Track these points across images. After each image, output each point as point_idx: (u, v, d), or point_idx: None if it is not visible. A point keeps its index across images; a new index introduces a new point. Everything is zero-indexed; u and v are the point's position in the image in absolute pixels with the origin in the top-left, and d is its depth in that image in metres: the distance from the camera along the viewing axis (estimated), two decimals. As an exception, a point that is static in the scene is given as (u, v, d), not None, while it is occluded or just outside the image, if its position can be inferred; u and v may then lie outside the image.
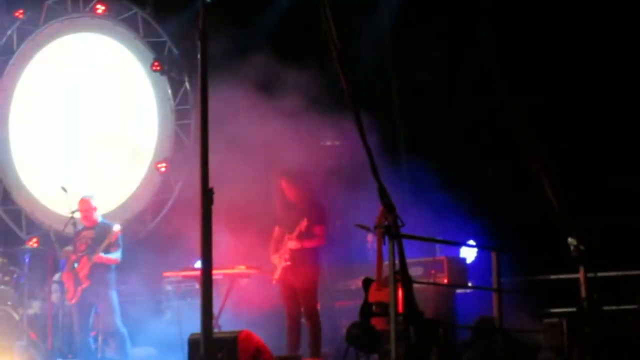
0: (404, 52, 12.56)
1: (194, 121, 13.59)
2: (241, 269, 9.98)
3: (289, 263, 9.38)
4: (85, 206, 10.88)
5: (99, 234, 10.67)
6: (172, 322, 11.51)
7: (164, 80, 14.01)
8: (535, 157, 8.24)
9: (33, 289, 12.02)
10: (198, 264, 9.23)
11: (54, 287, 11.81)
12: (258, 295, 10.60)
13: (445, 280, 10.28)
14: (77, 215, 11.10)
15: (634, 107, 10.86)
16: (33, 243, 14.26)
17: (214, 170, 5.71)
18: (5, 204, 15.05)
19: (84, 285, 10.49)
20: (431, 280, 9.96)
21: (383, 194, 6.94)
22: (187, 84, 13.92)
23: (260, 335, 8.41)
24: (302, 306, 9.44)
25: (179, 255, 11.53)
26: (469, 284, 10.63)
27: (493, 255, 8.53)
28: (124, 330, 10.61)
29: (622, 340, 8.31)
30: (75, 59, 14.86)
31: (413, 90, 12.51)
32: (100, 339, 10.96)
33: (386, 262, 7.92)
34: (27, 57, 15.15)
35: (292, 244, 9.37)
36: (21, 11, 15.03)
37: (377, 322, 8.30)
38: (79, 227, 11.03)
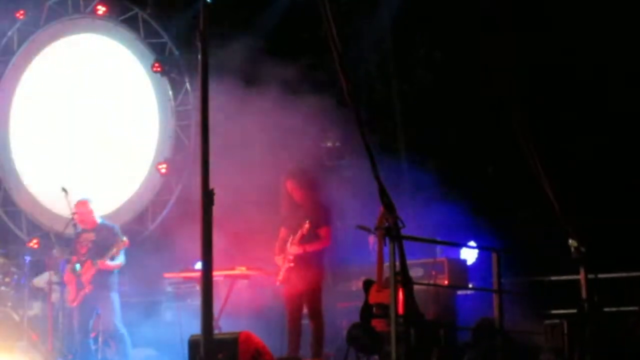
0: (405, 52, 12.55)
1: (195, 122, 13.58)
2: (242, 270, 9.98)
3: (292, 264, 9.33)
4: (83, 209, 10.86)
5: (100, 237, 10.65)
6: (173, 323, 11.50)
7: (164, 81, 14.00)
8: (535, 157, 8.24)
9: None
10: (198, 265, 9.22)
11: (54, 287, 11.79)
12: (258, 296, 10.59)
13: (446, 282, 10.27)
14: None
15: (635, 107, 10.85)
16: (33, 244, 14.25)
17: (214, 171, 5.71)
18: (6, 205, 15.05)
19: (86, 290, 10.48)
20: (432, 282, 9.96)
21: (383, 194, 6.93)
22: (187, 85, 13.92)
23: (261, 337, 8.41)
24: (306, 307, 9.39)
25: (180, 257, 11.52)
26: (470, 285, 10.62)
27: (493, 257, 8.52)
28: (124, 331, 10.61)
29: (622, 341, 8.30)
30: (76, 60, 14.86)
31: (413, 91, 12.51)
32: (100, 340, 10.96)
33: (387, 264, 7.91)
34: (27, 58, 15.15)
35: (294, 249, 9.32)
36: (22, 12, 15.03)
37: (377, 324, 8.30)
38: (79, 228, 11.01)
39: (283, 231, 9.64)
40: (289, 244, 9.38)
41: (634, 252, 10.37)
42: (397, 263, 7.02)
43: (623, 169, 10.88)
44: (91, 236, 10.72)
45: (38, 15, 15.03)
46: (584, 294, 8.23)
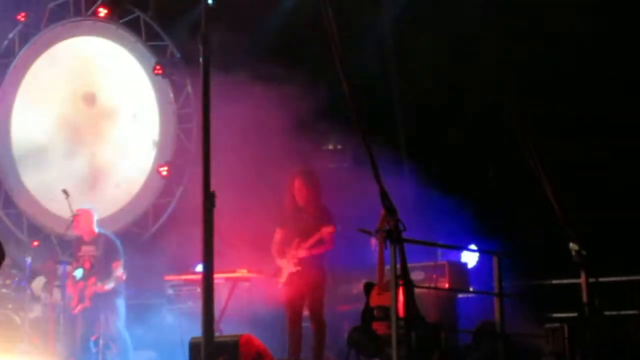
0: (406, 54, 12.55)
1: (196, 125, 13.58)
2: (242, 272, 9.97)
3: (299, 268, 9.27)
4: (84, 218, 10.75)
5: (100, 251, 10.60)
6: (173, 325, 11.50)
7: (166, 83, 14.01)
8: (537, 160, 8.24)
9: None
10: (199, 268, 9.23)
11: (55, 290, 11.80)
12: (259, 299, 10.58)
13: (447, 285, 10.28)
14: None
15: (635, 109, 10.86)
16: (35, 246, 14.24)
17: (215, 173, 5.71)
18: (7, 207, 15.05)
19: (85, 305, 10.47)
20: (433, 285, 9.95)
21: (384, 197, 6.93)
22: (189, 88, 13.92)
23: (262, 339, 8.41)
24: (307, 310, 9.35)
25: (180, 259, 11.52)
26: (471, 289, 10.63)
27: (494, 260, 8.53)
28: (126, 335, 10.61)
29: (623, 345, 8.30)
30: (77, 62, 14.86)
31: (415, 93, 12.50)
32: (101, 342, 10.95)
33: (388, 266, 7.91)
34: (29, 60, 15.15)
35: (302, 252, 9.26)
36: (23, 14, 15.04)
37: (378, 327, 8.31)
38: (74, 235, 10.94)
39: (280, 232, 9.57)
40: (298, 246, 9.29)
41: (634, 256, 10.37)
42: (398, 266, 7.02)
43: (623, 171, 10.88)
44: (91, 250, 10.66)
45: (39, 18, 15.04)
46: (584, 298, 8.23)
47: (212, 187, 5.68)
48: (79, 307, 10.50)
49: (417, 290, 7.69)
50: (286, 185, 9.58)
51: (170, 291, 12.21)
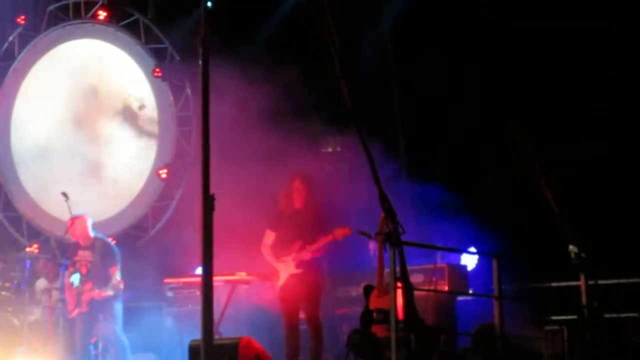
0: (406, 58, 12.56)
1: (195, 127, 13.60)
2: (242, 275, 9.96)
3: (300, 270, 9.24)
4: (78, 224, 10.71)
5: (97, 257, 10.57)
6: (173, 328, 11.51)
7: (165, 86, 14.03)
8: (536, 163, 8.24)
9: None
10: (199, 271, 9.23)
11: (55, 292, 11.80)
12: (259, 301, 10.59)
13: (446, 288, 10.28)
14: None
15: (635, 114, 10.87)
16: (34, 249, 14.24)
17: (214, 176, 5.71)
18: (7, 210, 15.05)
19: (82, 310, 10.46)
20: (432, 288, 9.96)
21: (384, 200, 6.94)
22: (188, 90, 13.94)
23: (261, 342, 8.41)
24: (303, 313, 9.30)
25: (180, 262, 11.53)
26: (470, 291, 10.62)
27: (494, 263, 8.52)
28: (124, 339, 10.59)
29: (623, 348, 8.30)
30: (77, 65, 14.87)
31: (414, 97, 12.52)
32: (100, 345, 10.95)
33: (387, 269, 7.91)
34: (29, 63, 15.15)
35: (308, 255, 9.21)
36: (23, 17, 15.04)
37: (377, 329, 8.29)
38: (70, 239, 10.94)
39: (271, 234, 9.47)
40: (299, 249, 9.24)
41: (634, 258, 10.37)
42: (398, 269, 7.02)
43: (623, 174, 10.89)
44: (88, 255, 10.62)
45: (39, 21, 15.05)
46: (584, 300, 8.23)
47: (211, 190, 5.68)
48: (75, 312, 10.48)
49: (416, 292, 7.68)
50: (283, 186, 9.52)
51: (169, 294, 12.22)
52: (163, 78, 13.89)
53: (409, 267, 7.11)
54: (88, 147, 14.61)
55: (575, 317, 8.53)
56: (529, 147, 8.46)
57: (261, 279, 10.03)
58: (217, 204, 5.61)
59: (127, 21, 14.47)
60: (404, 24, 12.44)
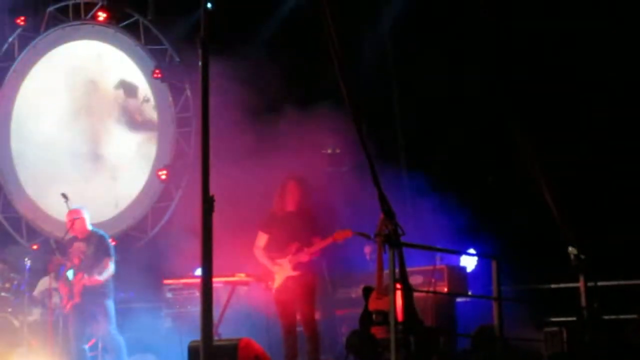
0: (405, 58, 12.57)
1: (195, 128, 13.60)
2: (241, 276, 9.95)
3: (297, 272, 9.17)
4: (75, 217, 10.78)
5: (90, 248, 10.59)
6: (172, 329, 11.50)
7: (165, 87, 14.03)
8: (535, 165, 8.24)
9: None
10: (198, 272, 9.22)
11: (53, 292, 11.79)
12: (258, 302, 10.58)
13: (446, 289, 10.26)
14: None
15: (635, 116, 10.87)
16: (34, 250, 14.24)
17: (214, 177, 5.71)
18: (6, 211, 15.05)
19: (75, 300, 10.47)
20: (431, 289, 9.94)
21: (383, 201, 6.94)
22: (188, 91, 13.93)
23: (260, 343, 8.41)
24: (299, 314, 9.21)
25: (180, 263, 11.52)
26: (469, 293, 10.61)
27: (493, 264, 8.52)
28: (119, 338, 10.58)
29: (622, 349, 8.30)
30: (77, 66, 14.87)
31: (414, 98, 12.52)
32: (100, 346, 10.95)
33: (386, 271, 7.90)
34: (28, 64, 15.16)
35: (306, 257, 9.17)
36: (22, 18, 15.04)
37: (377, 331, 8.29)
38: (69, 234, 10.96)
39: (264, 236, 9.37)
40: (296, 251, 9.20)
41: (633, 260, 10.37)
42: (397, 270, 7.02)
43: (624, 175, 10.89)
44: (82, 246, 10.66)
45: (39, 22, 15.05)
46: (583, 302, 8.23)
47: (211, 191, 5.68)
48: (69, 305, 10.51)
49: (415, 294, 7.67)
50: (278, 188, 9.42)
51: (169, 295, 12.21)
52: (163, 79, 13.88)
53: (408, 269, 7.11)
54: (88, 148, 14.61)
55: (574, 318, 8.54)
56: (529, 147, 8.46)
57: (261, 280, 10.02)
58: (217, 205, 5.62)
59: (126, 22, 14.47)
60: (403, 24, 12.44)
